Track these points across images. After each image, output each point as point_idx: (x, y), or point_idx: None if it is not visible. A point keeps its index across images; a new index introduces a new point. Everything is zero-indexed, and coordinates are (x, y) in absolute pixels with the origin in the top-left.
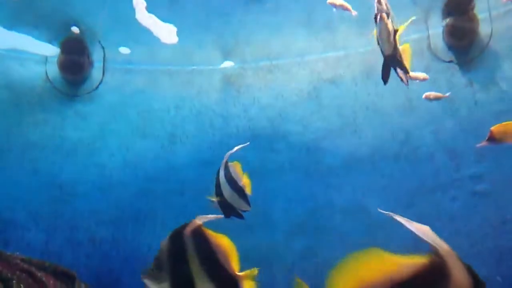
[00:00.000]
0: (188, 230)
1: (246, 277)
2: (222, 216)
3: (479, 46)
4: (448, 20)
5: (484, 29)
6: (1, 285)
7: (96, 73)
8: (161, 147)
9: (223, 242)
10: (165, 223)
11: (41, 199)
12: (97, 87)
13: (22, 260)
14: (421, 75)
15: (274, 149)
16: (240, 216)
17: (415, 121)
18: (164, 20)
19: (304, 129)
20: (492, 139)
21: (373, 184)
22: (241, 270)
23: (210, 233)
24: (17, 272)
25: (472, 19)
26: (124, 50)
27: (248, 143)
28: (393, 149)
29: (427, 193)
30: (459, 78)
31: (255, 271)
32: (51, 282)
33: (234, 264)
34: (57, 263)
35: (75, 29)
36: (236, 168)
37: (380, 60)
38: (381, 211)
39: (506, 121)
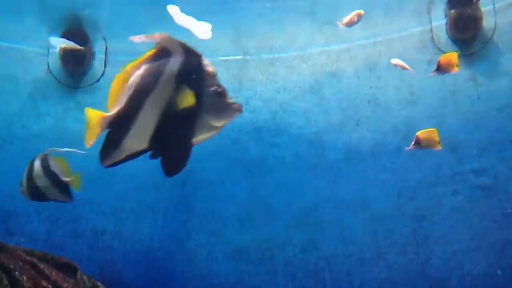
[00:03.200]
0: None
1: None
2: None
3: (483, 39)
4: (452, 12)
5: (487, 22)
6: (4, 276)
7: (98, 64)
8: None
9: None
10: (167, 215)
11: None
12: (98, 80)
13: (25, 251)
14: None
15: (275, 142)
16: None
17: (417, 115)
18: None
19: (306, 122)
20: (418, 143)
21: (374, 177)
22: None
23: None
24: (20, 264)
25: (476, 12)
26: None
27: (83, 152)
28: (395, 143)
29: (429, 186)
30: (462, 71)
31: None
32: (54, 273)
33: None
34: (59, 254)
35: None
36: (61, 163)
37: (383, 52)
38: None
39: (509, 115)
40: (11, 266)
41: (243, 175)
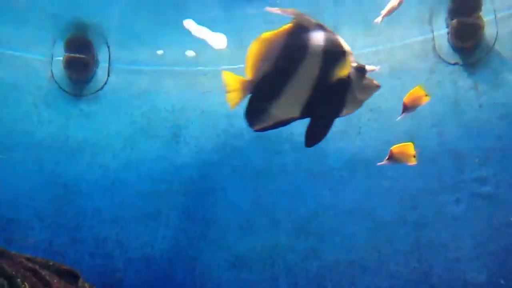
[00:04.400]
0: None
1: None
2: None
3: (484, 48)
4: (453, 21)
5: (489, 31)
6: (6, 283)
7: (101, 73)
8: (165, 148)
9: None
10: (168, 223)
11: (45, 197)
12: (102, 88)
13: (26, 259)
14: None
15: (278, 150)
16: None
17: (419, 123)
18: None
19: None
20: (391, 158)
21: (376, 185)
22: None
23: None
24: (21, 270)
25: (478, 21)
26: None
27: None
28: None
29: (430, 195)
30: (464, 80)
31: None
32: (55, 281)
33: None
34: (61, 261)
35: (190, 53)
36: None
37: (385, 61)
38: None
39: (511, 123)
40: (13, 273)
41: (245, 183)
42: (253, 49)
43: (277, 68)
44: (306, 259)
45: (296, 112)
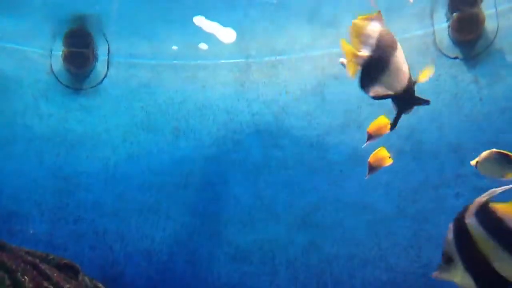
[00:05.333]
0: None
1: None
2: None
3: (485, 41)
4: (454, 15)
5: (490, 25)
6: (6, 276)
7: (100, 66)
8: (165, 141)
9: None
10: (169, 216)
11: (46, 191)
12: (101, 81)
13: (27, 252)
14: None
15: (278, 144)
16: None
17: (420, 117)
18: None
19: (308, 124)
20: (370, 137)
21: (376, 179)
22: None
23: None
24: (22, 264)
25: (479, 15)
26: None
27: None
28: (397, 145)
29: (431, 189)
30: (465, 74)
31: None
32: (55, 274)
33: None
34: (61, 255)
35: (203, 46)
36: None
37: None
38: None
39: (511, 117)
40: (13, 267)
41: (245, 177)
42: (358, 25)
43: (381, 48)
44: (306, 253)
45: (396, 88)
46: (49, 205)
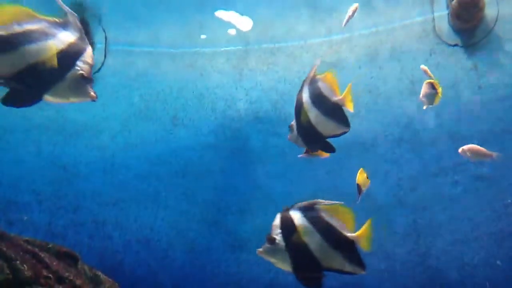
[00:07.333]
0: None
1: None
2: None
3: (485, 29)
4: (454, 2)
5: (489, 12)
6: (5, 265)
7: (98, 55)
8: (163, 130)
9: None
10: (167, 205)
11: (44, 180)
12: (99, 70)
13: (26, 241)
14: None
15: (276, 132)
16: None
17: (418, 105)
18: None
19: None
20: (360, 191)
21: (375, 168)
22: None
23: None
24: (21, 253)
25: (478, 2)
26: None
27: None
28: (395, 133)
29: (429, 177)
30: (464, 62)
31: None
32: (55, 263)
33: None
34: (61, 243)
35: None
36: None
37: (385, 42)
38: None
39: (510, 105)
40: (12, 255)
41: (244, 165)
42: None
43: None
44: None
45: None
46: (48, 194)
